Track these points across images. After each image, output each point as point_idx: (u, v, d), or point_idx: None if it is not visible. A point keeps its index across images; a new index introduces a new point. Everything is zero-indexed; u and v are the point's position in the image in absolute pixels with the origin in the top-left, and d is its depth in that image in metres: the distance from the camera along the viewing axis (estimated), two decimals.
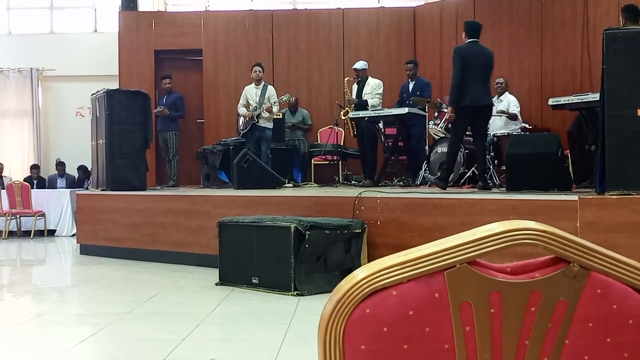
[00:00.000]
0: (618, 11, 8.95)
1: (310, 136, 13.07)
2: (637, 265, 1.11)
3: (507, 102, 10.33)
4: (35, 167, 15.02)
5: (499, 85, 10.58)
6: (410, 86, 11.14)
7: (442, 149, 9.58)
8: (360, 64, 11.10)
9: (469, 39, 8.56)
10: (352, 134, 11.06)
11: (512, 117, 10.01)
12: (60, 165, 15.02)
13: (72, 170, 15.13)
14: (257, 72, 11.30)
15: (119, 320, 5.82)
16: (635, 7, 8.33)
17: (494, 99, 10.55)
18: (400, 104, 10.90)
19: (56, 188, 14.76)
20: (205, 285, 7.43)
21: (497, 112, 10.10)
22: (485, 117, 8.65)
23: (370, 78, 11.15)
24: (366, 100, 10.86)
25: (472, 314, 1.08)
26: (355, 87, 11.21)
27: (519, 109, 10.28)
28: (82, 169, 14.90)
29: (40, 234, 13.72)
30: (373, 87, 10.99)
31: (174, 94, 12.35)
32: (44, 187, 14.71)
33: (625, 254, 1.12)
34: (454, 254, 1.07)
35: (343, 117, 11.27)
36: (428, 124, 10.16)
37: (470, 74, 8.27)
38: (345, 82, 11.56)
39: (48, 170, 15.46)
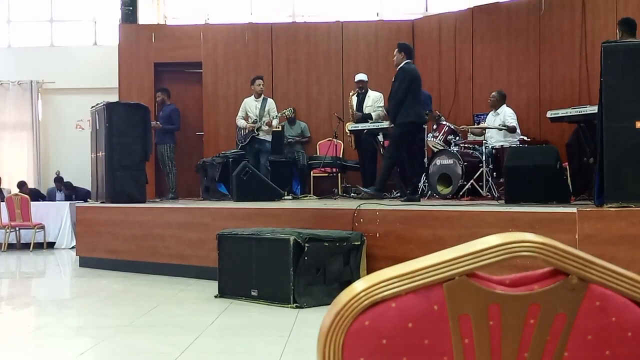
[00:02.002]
0: (616, 24, 8.97)
1: (309, 148, 13.08)
2: (636, 278, 1.11)
3: (503, 114, 10.33)
4: (22, 185, 14.83)
5: (491, 99, 10.59)
6: None
7: (440, 161, 9.59)
8: (364, 76, 11.24)
9: (407, 59, 9.01)
10: (352, 145, 11.12)
11: (510, 129, 10.02)
12: (59, 180, 14.98)
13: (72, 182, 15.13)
14: (262, 86, 11.35)
15: (118, 332, 5.81)
16: (632, 20, 8.36)
17: (491, 113, 10.60)
18: None
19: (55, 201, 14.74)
20: (204, 297, 7.42)
21: (497, 127, 10.11)
22: (422, 135, 9.78)
23: (370, 91, 11.22)
24: (370, 114, 10.97)
25: (471, 326, 1.08)
26: (354, 99, 11.27)
27: (515, 121, 10.29)
28: (61, 182, 14.83)
29: (39, 246, 13.70)
30: (374, 100, 11.13)
31: (169, 106, 12.35)
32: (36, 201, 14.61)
33: (624, 266, 1.12)
34: (452, 266, 1.07)
35: (348, 130, 11.34)
36: (427, 136, 10.16)
37: (415, 93, 8.88)
38: (350, 96, 11.57)
39: (47, 183, 15.44)
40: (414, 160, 9.68)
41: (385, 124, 10.35)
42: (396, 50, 9.16)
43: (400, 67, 8.96)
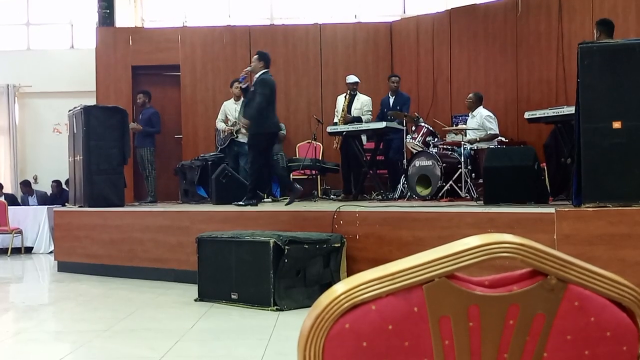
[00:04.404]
0: (592, 25, 9.03)
1: (288, 151, 13.07)
2: (614, 278, 1.12)
3: (480, 117, 10.37)
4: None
5: (468, 100, 10.66)
6: (391, 100, 11.22)
7: (419, 162, 9.61)
8: (356, 78, 11.33)
9: (265, 68, 9.31)
10: (335, 147, 11.15)
11: (489, 138, 10.08)
12: (25, 184, 14.86)
13: (48, 186, 15.02)
14: (239, 88, 11.36)
15: (98, 337, 5.77)
16: (610, 20, 8.43)
17: (469, 115, 10.66)
18: (381, 118, 10.98)
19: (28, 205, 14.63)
20: (184, 301, 7.39)
21: (478, 136, 10.14)
22: (275, 143, 10.11)
23: (359, 94, 11.33)
24: (359, 117, 11.04)
25: (451, 327, 1.09)
26: (341, 100, 11.35)
27: (495, 124, 10.35)
28: (28, 186, 14.80)
29: (17, 251, 13.59)
30: (363, 104, 11.28)
31: (148, 109, 12.28)
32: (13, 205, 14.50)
33: (602, 266, 1.13)
34: (432, 268, 1.07)
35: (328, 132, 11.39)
36: (406, 138, 10.19)
37: (273, 103, 9.26)
38: (341, 98, 11.57)
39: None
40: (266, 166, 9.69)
41: (364, 126, 10.40)
42: (255, 57, 9.39)
43: (260, 78, 9.19)
